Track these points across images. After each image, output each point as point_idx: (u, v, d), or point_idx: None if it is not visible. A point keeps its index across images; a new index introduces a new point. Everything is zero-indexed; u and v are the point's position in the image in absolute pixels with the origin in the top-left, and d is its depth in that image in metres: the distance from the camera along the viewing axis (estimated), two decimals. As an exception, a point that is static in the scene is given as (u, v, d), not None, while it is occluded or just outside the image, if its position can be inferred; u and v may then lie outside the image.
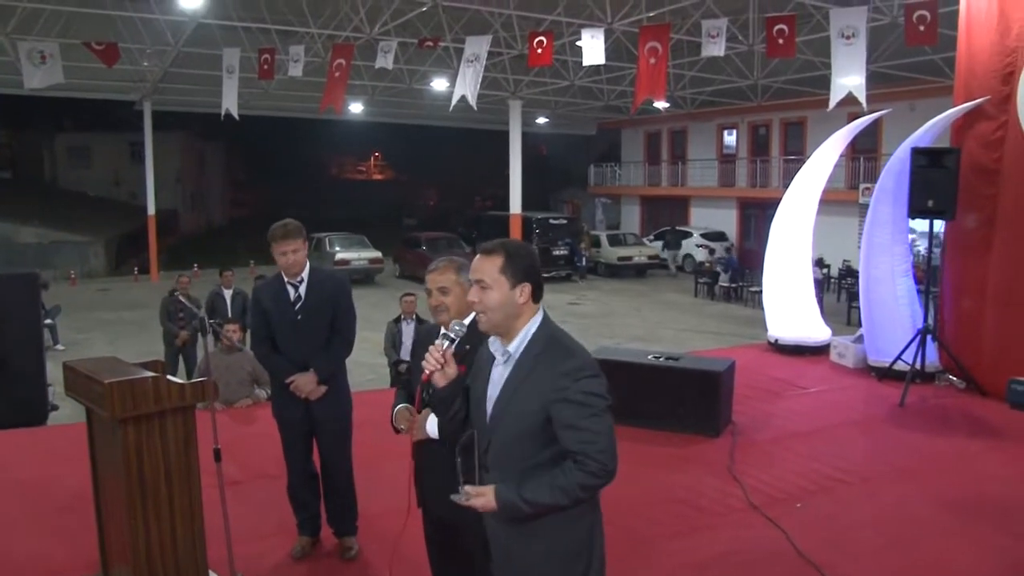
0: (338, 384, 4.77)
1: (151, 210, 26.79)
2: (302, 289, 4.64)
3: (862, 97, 11.18)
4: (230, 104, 16.81)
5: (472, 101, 14.47)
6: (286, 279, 4.65)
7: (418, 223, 44.91)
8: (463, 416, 2.89)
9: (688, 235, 29.20)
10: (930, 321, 8.78)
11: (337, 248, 25.53)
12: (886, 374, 8.83)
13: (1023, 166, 7.90)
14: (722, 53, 13.17)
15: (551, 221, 27.51)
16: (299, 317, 4.63)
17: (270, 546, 4.91)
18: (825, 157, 10.43)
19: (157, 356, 11.40)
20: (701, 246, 28.06)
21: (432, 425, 3.20)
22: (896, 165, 8.86)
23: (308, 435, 4.78)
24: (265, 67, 16.03)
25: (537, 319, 2.71)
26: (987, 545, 5.03)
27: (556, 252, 26.35)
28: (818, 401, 8.39)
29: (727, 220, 29.84)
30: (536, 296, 2.71)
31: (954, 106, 8.63)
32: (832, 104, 10.92)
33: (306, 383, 4.58)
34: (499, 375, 2.73)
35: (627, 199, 35.96)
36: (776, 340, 10.43)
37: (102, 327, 18.19)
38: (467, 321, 3.11)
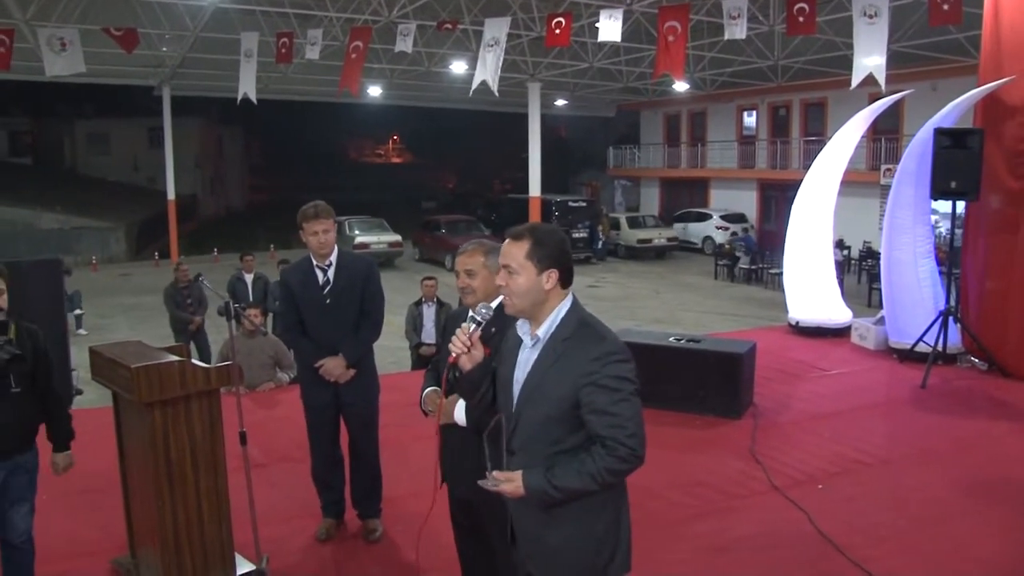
0: (366, 367, 4.79)
1: (171, 195, 26.91)
2: (331, 273, 4.65)
3: (881, 78, 11.04)
4: (248, 88, 16.75)
5: (493, 87, 14.37)
6: (315, 262, 4.66)
7: (437, 206, 44.96)
8: (490, 399, 2.89)
9: (707, 217, 29.05)
10: (952, 303, 8.72)
11: (356, 232, 25.58)
12: (908, 356, 8.78)
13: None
14: (744, 35, 13.03)
15: (570, 204, 27.46)
16: (328, 301, 4.64)
17: (295, 528, 4.97)
18: (846, 138, 10.34)
19: (172, 339, 11.57)
20: (720, 227, 27.92)
21: (460, 412, 3.21)
22: (919, 147, 8.77)
23: (335, 418, 4.82)
24: (283, 51, 16.00)
25: (566, 304, 2.70)
26: (1010, 528, 5.02)
27: (575, 235, 26.31)
28: (839, 383, 8.36)
29: (747, 202, 29.63)
30: (565, 281, 2.69)
31: (978, 86, 8.52)
32: (854, 84, 10.81)
33: (335, 366, 4.60)
34: (526, 359, 2.72)
35: (646, 181, 35.77)
36: (797, 322, 10.39)
37: (124, 312, 18.35)
38: (494, 304, 3.12)
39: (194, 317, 11.04)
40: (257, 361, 7.95)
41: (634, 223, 28.83)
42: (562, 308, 2.70)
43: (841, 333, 10.13)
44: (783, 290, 11.21)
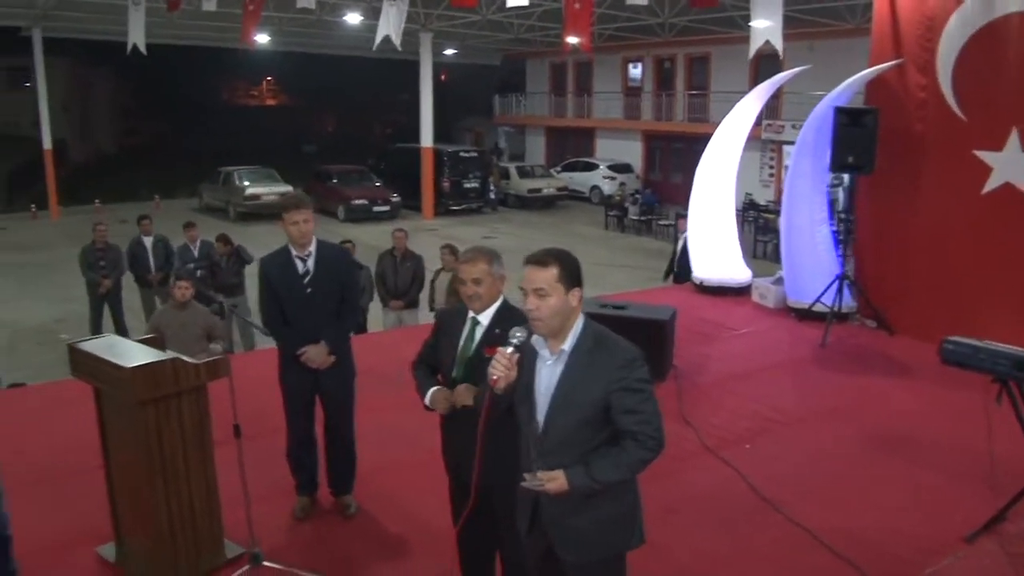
0: (344, 352, 4.95)
1: (47, 143, 25.13)
2: (310, 263, 4.78)
3: (778, 42, 11.54)
4: (137, 38, 16.09)
5: (396, 41, 14.27)
6: (294, 252, 4.77)
7: (317, 150, 44.12)
8: (505, 407, 3.21)
9: (594, 166, 29.66)
10: (848, 268, 9.41)
11: (246, 183, 24.83)
12: (805, 315, 9.48)
13: (946, 130, 8.47)
14: (646, 1, 13.38)
15: (462, 154, 27.53)
16: (309, 290, 4.78)
17: (269, 508, 5.04)
18: (751, 105, 10.90)
19: (76, 301, 11.45)
20: (608, 177, 28.60)
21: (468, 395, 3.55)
22: (816, 121, 9.37)
23: (312, 401, 4.99)
24: (175, -3, 15.45)
25: (582, 318, 3.05)
26: (903, 477, 5.72)
27: (467, 185, 26.61)
28: (748, 342, 9.00)
29: (632, 152, 30.37)
30: (581, 299, 3.05)
31: (869, 65, 9.16)
32: (752, 52, 11.24)
33: (317, 354, 4.75)
34: (550, 371, 3.03)
35: (532, 129, 36.08)
36: (701, 282, 10.99)
37: (11, 272, 17.34)
38: (492, 310, 3.61)
39: (103, 280, 10.85)
40: (190, 334, 7.89)
41: (524, 173, 29.20)
42: (579, 322, 3.05)
43: (742, 292, 10.79)
44: (672, 240, 11.66)
